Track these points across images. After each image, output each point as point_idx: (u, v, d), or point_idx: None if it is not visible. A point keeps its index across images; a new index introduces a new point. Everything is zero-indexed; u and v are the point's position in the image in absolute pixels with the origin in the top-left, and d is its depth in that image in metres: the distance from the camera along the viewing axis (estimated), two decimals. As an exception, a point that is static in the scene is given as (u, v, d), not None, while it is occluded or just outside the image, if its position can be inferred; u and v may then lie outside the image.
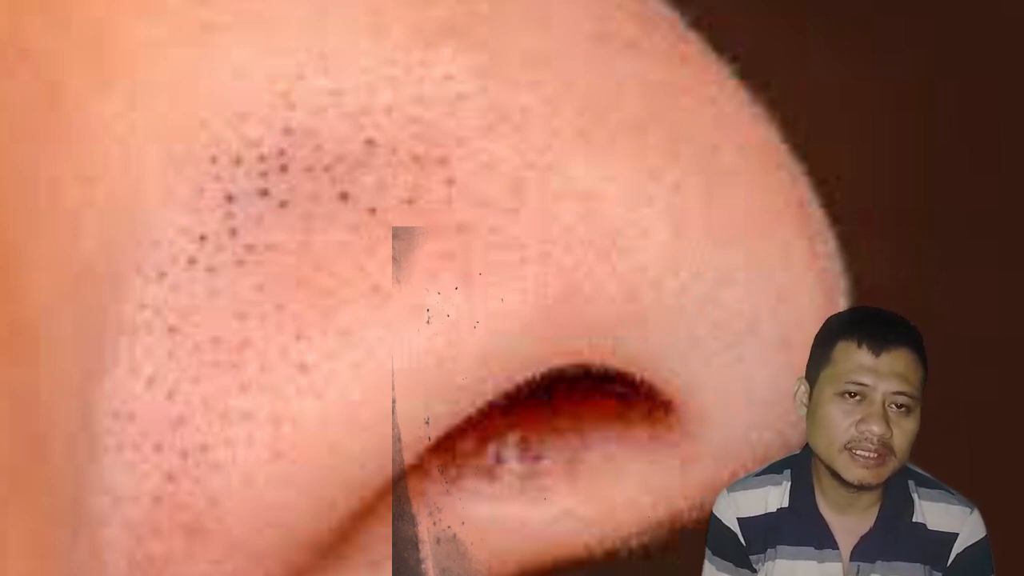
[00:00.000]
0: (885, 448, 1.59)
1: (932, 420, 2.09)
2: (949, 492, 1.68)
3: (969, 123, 2.12)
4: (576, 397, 2.04)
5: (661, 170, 2.00)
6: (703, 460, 2.03)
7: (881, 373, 1.60)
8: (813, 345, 1.68)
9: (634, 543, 2.05)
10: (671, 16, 2.03)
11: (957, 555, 1.64)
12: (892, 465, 1.61)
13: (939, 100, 2.11)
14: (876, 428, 1.59)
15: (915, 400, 1.61)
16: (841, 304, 2.06)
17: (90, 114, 1.89)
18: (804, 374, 1.68)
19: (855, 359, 1.61)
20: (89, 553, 1.88)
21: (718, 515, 1.72)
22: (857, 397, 1.60)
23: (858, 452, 1.60)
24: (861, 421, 1.59)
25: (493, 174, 1.97)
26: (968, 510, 1.66)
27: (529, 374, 1.99)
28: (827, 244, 2.07)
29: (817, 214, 2.06)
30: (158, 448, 1.90)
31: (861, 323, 1.64)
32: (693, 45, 2.03)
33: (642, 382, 2.02)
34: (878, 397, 1.59)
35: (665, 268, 2.00)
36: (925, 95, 2.11)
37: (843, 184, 2.07)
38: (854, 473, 1.60)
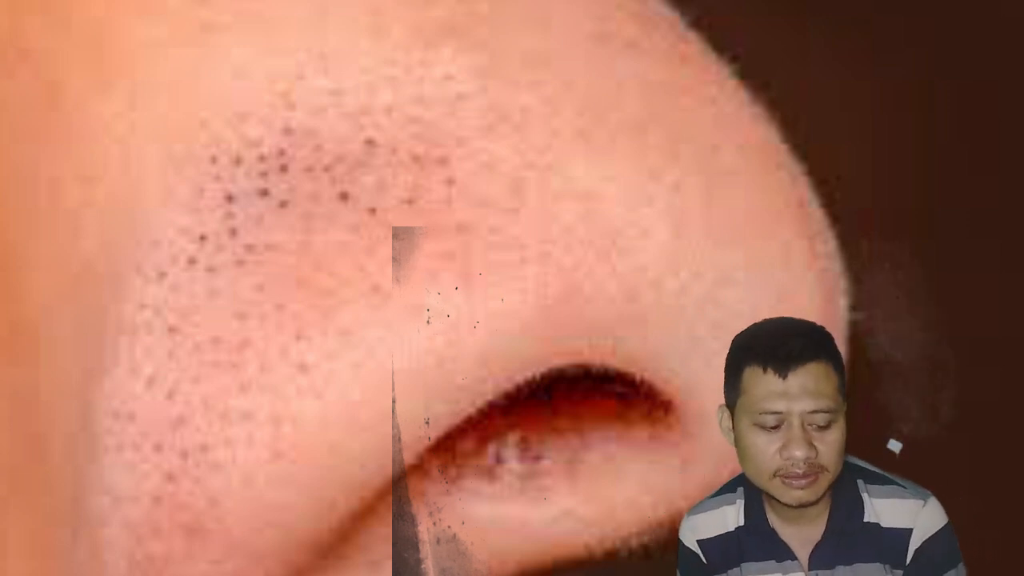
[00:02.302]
0: (814, 467, 1.56)
1: (932, 420, 2.09)
2: (901, 486, 1.63)
3: (969, 123, 2.12)
4: (576, 397, 2.04)
5: (661, 170, 2.00)
6: (703, 460, 2.03)
7: (792, 395, 1.55)
8: (725, 369, 1.63)
9: (634, 543, 2.05)
10: (671, 16, 2.03)
11: (916, 550, 1.60)
12: (826, 479, 1.57)
13: (939, 100, 2.11)
14: (799, 452, 1.54)
15: (834, 412, 1.56)
16: (841, 304, 2.06)
17: (90, 114, 1.89)
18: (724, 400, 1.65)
19: (764, 386, 1.56)
20: (89, 553, 1.88)
21: (682, 539, 1.72)
22: (775, 427, 1.56)
23: (787, 479, 1.56)
24: (783, 448, 1.56)
25: (493, 174, 1.97)
26: (921, 502, 1.60)
27: (529, 374, 1.99)
28: (827, 244, 2.07)
29: (817, 214, 2.06)
30: (158, 448, 1.90)
31: (762, 343, 1.58)
32: (693, 45, 2.03)
33: (642, 382, 2.02)
34: (795, 420, 1.55)
35: (665, 268, 2.00)
36: (925, 95, 2.11)
37: (843, 184, 2.07)
38: (790, 495, 1.57)
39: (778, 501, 1.60)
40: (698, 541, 1.69)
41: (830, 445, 1.56)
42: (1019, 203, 2.13)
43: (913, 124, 2.11)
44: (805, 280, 2.04)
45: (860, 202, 2.08)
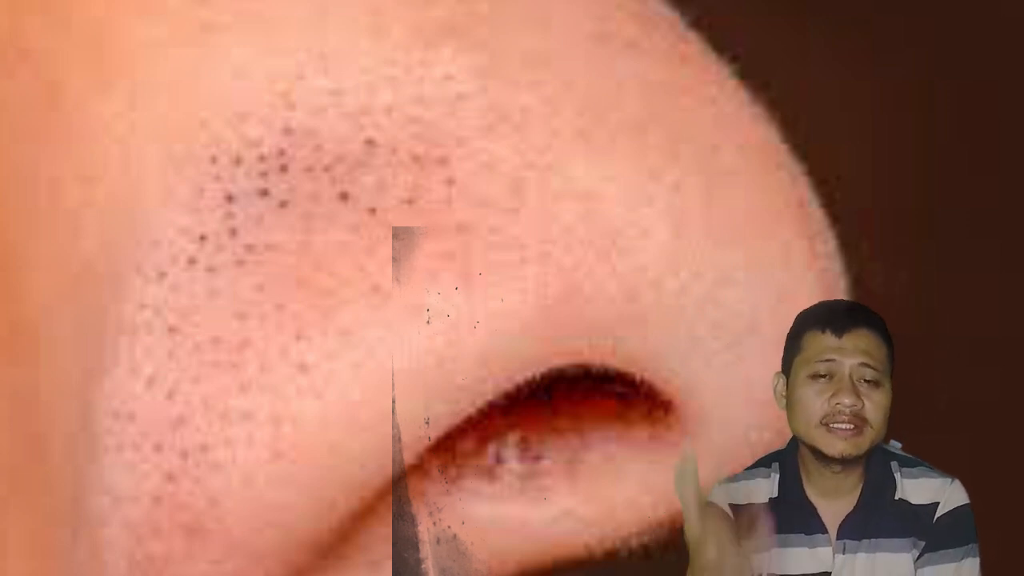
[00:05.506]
0: (859, 419, 1.68)
1: (933, 420, 2.09)
2: (929, 468, 1.75)
3: (969, 123, 2.12)
4: (576, 397, 2.04)
5: (661, 170, 2.00)
6: (703, 460, 2.02)
7: (846, 350, 1.69)
8: (786, 341, 1.76)
9: (634, 543, 2.05)
10: (671, 16, 2.03)
11: (938, 519, 1.71)
12: (869, 436, 1.69)
13: (939, 100, 2.11)
14: (847, 399, 1.67)
15: (882, 374, 1.70)
16: (841, 304, 2.06)
17: (90, 114, 1.89)
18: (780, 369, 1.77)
19: (821, 342, 1.70)
20: (89, 553, 1.88)
21: (712, 500, 1.75)
22: (827, 376, 1.69)
23: (834, 425, 1.68)
24: (833, 396, 1.68)
25: (493, 174, 1.97)
26: (948, 480, 1.73)
27: (529, 374, 1.99)
28: (827, 244, 2.07)
29: (817, 214, 2.07)
30: (158, 448, 1.90)
31: (825, 312, 1.75)
32: (693, 45, 2.03)
33: (642, 382, 2.02)
34: (846, 371, 1.68)
35: (665, 268, 2.00)
36: (925, 95, 2.11)
37: (843, 184, 2.07)
38: (834, 446, 1.68)
39: (820, 460, 1.70)
40: (730, 504, 1.75)
41: (876, 404, 1.69)
42: (1019, 203, 2.13)
43: (913, 124, 2.11)
44: (805, 280, 2.04)
45: (860, 202, 2.08)
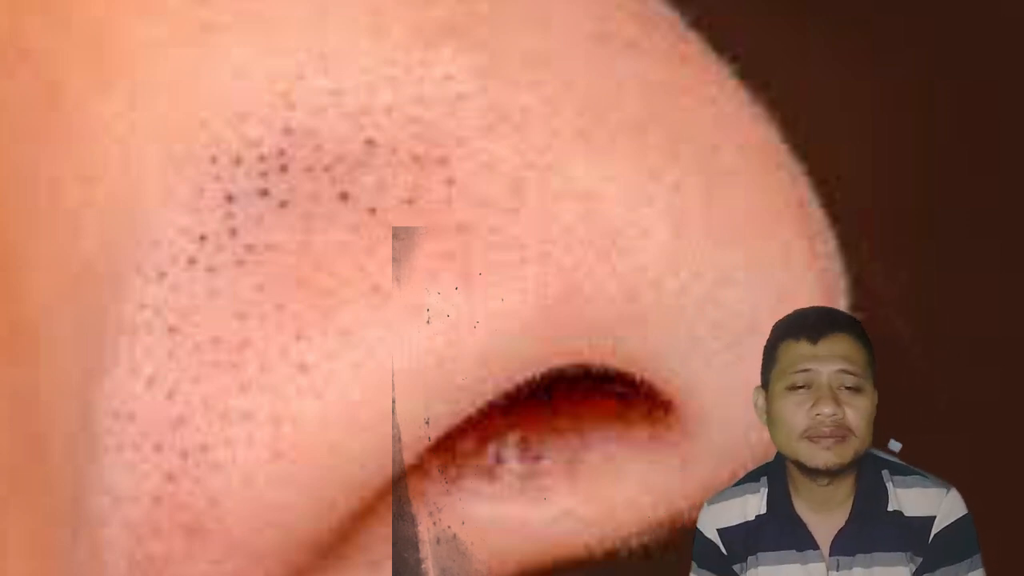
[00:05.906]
0: (841, 428, 1.62)
1: (933, 420, 2.09)
2: (924, 476, 1.69)
3: (969, 123, 2.12)
4: (576, 397, 2.04)
5: (661, 170, 2.00)
6: (703, 460, 2.03)
7: (822, 357, 1.63)
8: (763, 353, 1.71)
9: (634, 543, 2.05)
10: (671, 16, 2.03)
11: (936, 535, 1.65)
12: (854, 445, 1.63)
13: (939, 100, 2.11)
14: (827, 409, 1.61)
15: (862, 379, 1.63)
16: (841, 304, 2.06)
17: (90, 114, 1.89)
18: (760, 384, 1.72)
19: (796, 351, 1.64)
20: (89, 553, 1.88)
21: (700, 528, 1.73)
22: (805, 387, 1.63)
23: (816, 438, 1.62)
24: (813, 406, 1.62)
25: (493, 174, 1.97)
26: (944, 491, 1.66)
27: (529, 374, 1.99)
28: (827, 244, 2.07)
29: (817, 214, 2.06)
30: (158, 448, 1.90)
31: (799, 319, 1.69)
32: (693, 45, 2.03)
33: (642, 382, 2.02)
34: (824, 380, 1.62)
35: (665, 268, 2.00)
36: (925, 95, 2.11)
37: (843, 184, 2.07)
38: (818, 458, 1.62)
39: (807, 475, 1.64)
40: (718, 530, 1.71)
41: (858, 410, 1.63)
42: (1019, 203, 2.13)
43: (913, 124, 2.11)
44: (805, 280, 2.04)
45: (860, 202, 2.08)
